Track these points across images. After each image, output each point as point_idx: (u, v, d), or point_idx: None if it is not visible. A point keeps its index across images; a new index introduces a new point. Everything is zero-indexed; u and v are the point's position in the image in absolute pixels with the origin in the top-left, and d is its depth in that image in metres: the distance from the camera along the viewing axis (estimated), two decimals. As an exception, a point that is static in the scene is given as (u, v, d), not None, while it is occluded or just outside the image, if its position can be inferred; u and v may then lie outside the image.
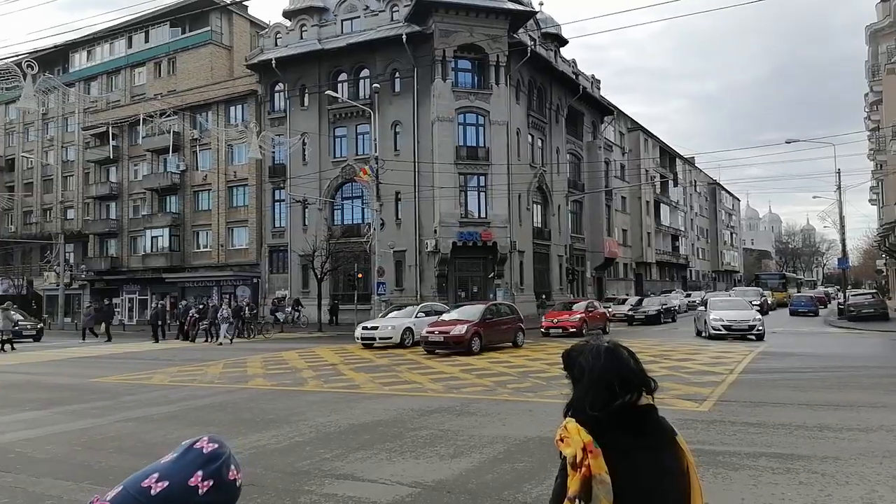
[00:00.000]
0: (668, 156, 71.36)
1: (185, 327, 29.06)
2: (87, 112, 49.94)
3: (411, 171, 34.16)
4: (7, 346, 25.08)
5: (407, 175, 33.85)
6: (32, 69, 20.14)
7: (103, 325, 30.68)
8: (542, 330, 24.96)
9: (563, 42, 42.71)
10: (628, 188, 57.02)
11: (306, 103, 38.83)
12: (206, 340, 27.43)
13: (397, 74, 36.04)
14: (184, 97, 42.91)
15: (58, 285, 44.27)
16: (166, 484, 0.99)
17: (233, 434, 8.58)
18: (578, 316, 25.14)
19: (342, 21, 38.12)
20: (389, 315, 23.78)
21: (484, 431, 8.34)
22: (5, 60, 21.04)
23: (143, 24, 46.42)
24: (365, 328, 22.25)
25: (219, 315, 26.80)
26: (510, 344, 20.23)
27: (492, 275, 34.06)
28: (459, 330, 18.35)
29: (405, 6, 35.33)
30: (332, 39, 37.58)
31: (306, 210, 37.50)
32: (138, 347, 25.68)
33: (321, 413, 9.98)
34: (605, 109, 51.32)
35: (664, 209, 67.63)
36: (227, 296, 40.92)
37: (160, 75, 49.04)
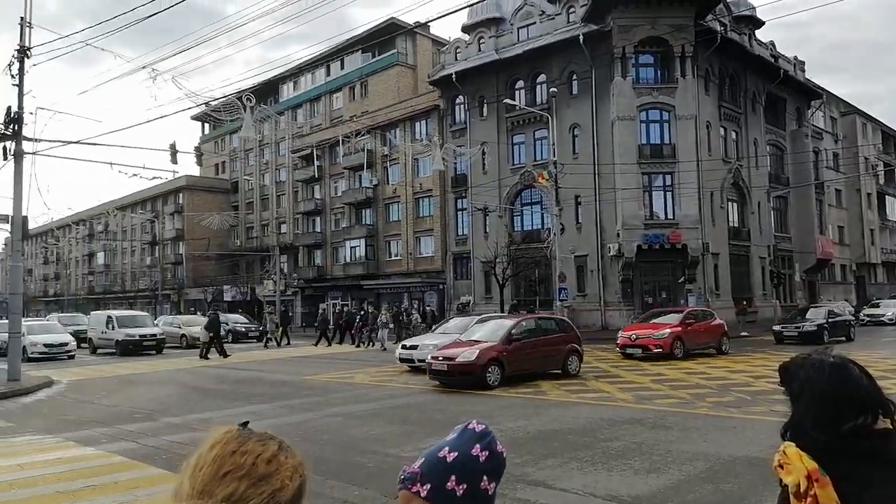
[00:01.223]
0: (892, 140, 61.82)
1: (352, 332, 30.25)
2: (294, 137, 56.01)
3: (591, 173, 33.41)
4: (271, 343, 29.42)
5: (586, 178, 33.17)
6: (251, 102, 23.11)
7: (280, 329, 32.25)
8: (619, 349, 19.67)
9: (759, 24, 38.98)
10: (844, 179, 50.27)
11: (485, 113, 39.82)
12: (367, 345, 28.15)
13: (574, 77, 35.53)
14: (374, 117, 46.30)
15: (275, 292, 50.01)
16: (456, 454, 1.26)
17: (428, 433, 9.05)
18: (667, 331, 18.78)
19: (518, 29, 38.54)
20: (446, 329, 19.55)
21: (682, 447, 7.88)
22: (229, 96, 24.30)
23: (338, 54, 50.92)
24: (404, 347, 18.17)
25: (378, 320, 27.97)
26: (559, 371, 15.14)
27: (682, 279, 32.04)
28: (468, 356, 13.51)
29: (581, 6, 34.73)
30: (508, 48, 38.16)
31: (487, 217, 38.38)
32: (306, 352, 28.02)
33: (509, 417, 10.13)
34: (811, 93, 45.90)
35: (890, 202, 58.58)
36: (417, 301, 43.31)
37: (354, 98, 53.42)
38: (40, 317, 45.00)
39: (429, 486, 1.23)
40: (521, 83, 38.41)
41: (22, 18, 17.31)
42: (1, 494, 6.68)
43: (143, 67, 18.97)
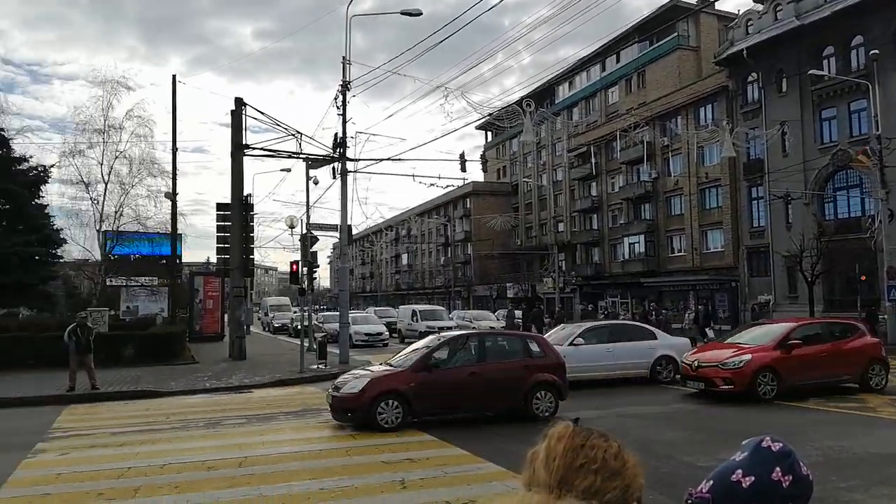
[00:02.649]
0: None
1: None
2: (570, 136, 56.60)
3: (932, 146, 27.19)
4: None
5: (925, 152, 27.07)
6: (530, 107, 24.06)
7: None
8: (679, 377, 13.56)
9: None
10: None
11: (784, 89, 35.22)
12: None
13: (905, 31, 29.34)
14: (653, 107, 44.34)
15: (554, 289, 51.16)
16: (753, 479, 1.12)
17: (728, 444, 8.36)
18: (745, 358, 12.00)
19: (825, -13, 33.24)
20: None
21: None
22: (510, 105, 25.61)
23: (614, 48, 50.00)
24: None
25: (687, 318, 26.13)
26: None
27: None
28: (352, 387, 9.97)
29: (913, -55, 28.55)
30: (812, 12, 33.11)
31: (789, 206, 33.85)
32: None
33: (827, 435, 8.83)
34: None
35: None
36: (704, 301, 40.23)
37: (630, 91, 51.89)
38: (359, 310, 53.05)
39: None
40: (830, 49, 33.10)
41: (343, 58, 20.59)
42: (340, 459, 8.04)
43: (438, 87, 21.01)
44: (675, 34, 47.46)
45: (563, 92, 60.00)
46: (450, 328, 30.09)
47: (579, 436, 1.11)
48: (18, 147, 26.85)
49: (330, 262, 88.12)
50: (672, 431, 9.30)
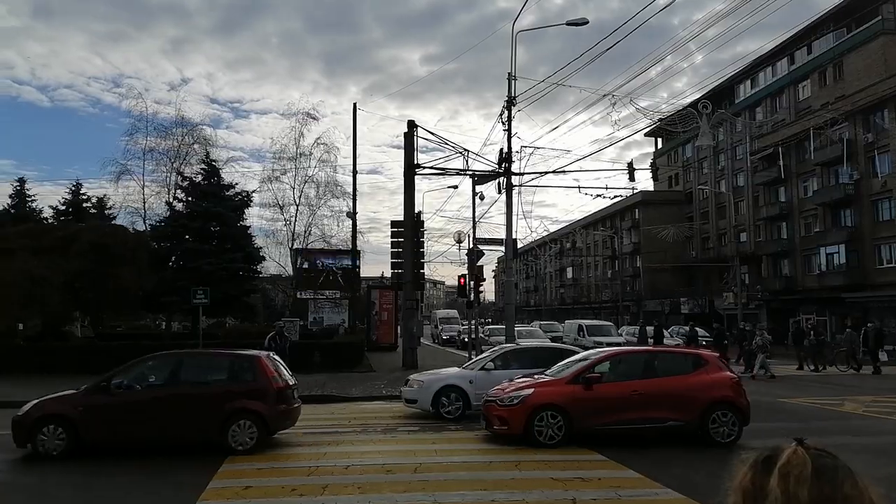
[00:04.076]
0: None
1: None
2: (753, 138, 52.08)
3: None
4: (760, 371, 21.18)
5: None
6: (706, 109, 22.58)
7: None
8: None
9: None
10: None
11: None
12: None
13: None
14: (853, 100, 39.40)
15: (735, 305, 47.16)
16: None
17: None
18: (523, 393, 9.71)
19: None
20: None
21: None
22: (686, 108, 24.24)
23: (803, 39, 45.36)
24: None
25: (754, 342, 22.38)
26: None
27: None
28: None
29: None
30: None
31: None
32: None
33: None
34: None
35: None
36: (876, 319, 34.64)
37: (825, 84, 46.59)
38: (524, 324, 53.07)
39: None
40: None
41: (509, 74, 20.91)
42: (509, 472, 8.07)
43: (605, 96, 20.51)
44: (879, 18, 41.94)
45: (745, 90, 55.47)
46: (619, 344, 29.05)
47: (825, 477, 0.88)
48: (227, 175, 30.77)
49: (495, 276, 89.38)
50: (885, 468, 8.10)
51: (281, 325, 16.73)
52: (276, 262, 31.55)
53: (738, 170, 55.08)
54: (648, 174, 67.15)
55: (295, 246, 30.23)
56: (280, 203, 30.20)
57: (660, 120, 25.91)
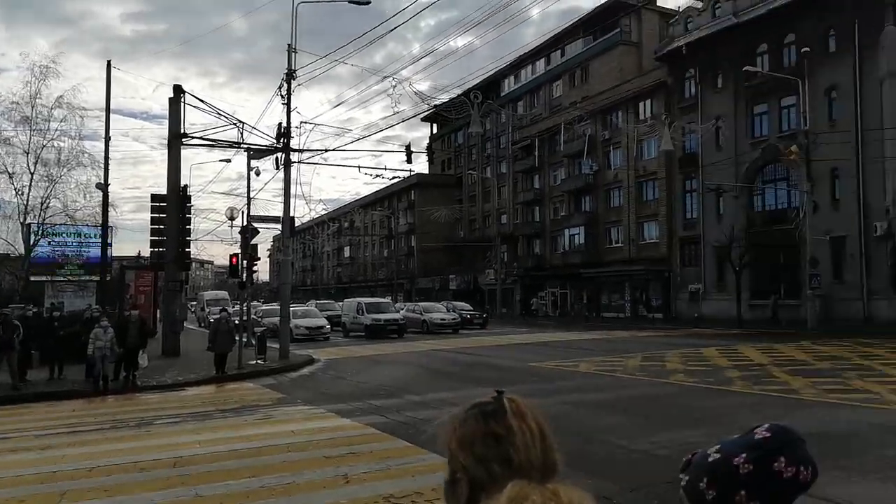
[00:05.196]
0: None
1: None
2: (514, 129, 57.11)
3: (851, 142, 28.78)
4: None
5: (845, 148, 28.62)
6: (477, 98, 24.10)
7: None
8: None
9: None
10: None
11: (719, 85, 36.57)
12: None
13: (832, 31, 30.79)
14: (595, 101, 45.19)
15: (496, 281, 51.66)
16: (719, 456, 1.17)
17: (662, 427, 8.65)
18: None
19: (758, -13, 34.63)
20: None
21: None
22: (458, 96, 25.62)
23: (559, 42, 50.61)
24: None
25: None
26: None
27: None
28: None
29: (838, -50, 29.96)
30: (749, 10, 34.36)
31: (721, 198, 35.28)
32: (558, 337, 27.97)
33: (754, 417, 9.20)
34: None
35: None
36: (639, 290, 41.48)
37: (574, 85, 52.70)
38: (300, 303, 52.12)
39: (687, 477, 1.19)
40: (763, 47, 34.49)
41: (289, 45, 20.08)
42: (280, 455, 7.88)
43: (385, 78, 20.81)
44: (618, 30, 48.47)
45: (509, 85, 60.42)
46: (396, 320, 30.03)
47: (536, 410, 1.06)
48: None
49: (270, 255, 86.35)
50: (613, 417, 9.50)
51: (6, 313, 14.22)
52: (3, 239, 26.78)
53: (502, 157, 60.00)
54: (426, 157, 70.10)
55: (28, 220, 25.88)
56: (9, 171, 25.56)
57: (435, 106, 27.01)
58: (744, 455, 1.13)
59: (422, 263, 66.85)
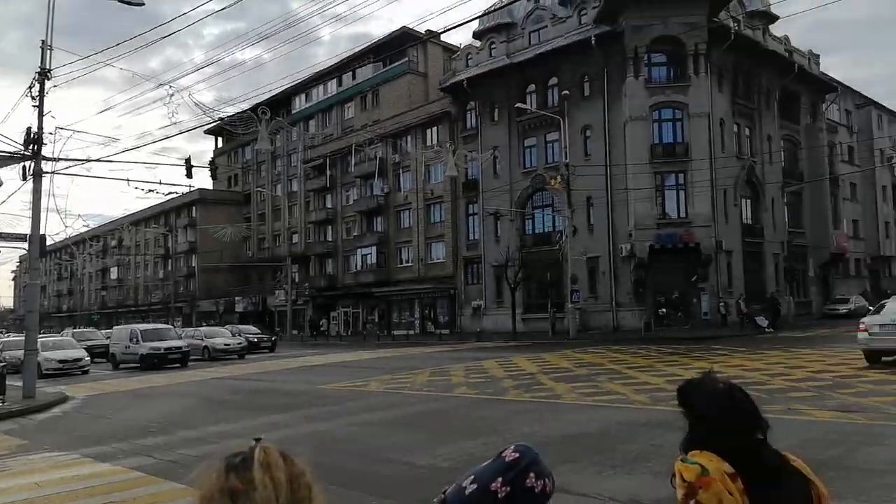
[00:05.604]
0: (909, 132, 60.85)
1: None
2: (306, 148, 56.28)
3: (603, 174, 33.24)
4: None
5: (598, 179, 33.00)
6: (266, 114, 23.25)
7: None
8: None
9: (774, 19, 38.47)
10: (859, 173, 49.61)
11: (496, 118, 39.83)
12: None
13: (586, 78, 35.40)
14: (386, 125, 46.41)
15: (286, 302, 50.07)
16: (475, 487, 1.15)
17: (444, 441, 8.95)
18: None
19: (530, 33, 38.57)
20: None
21: (701, 449, 7.69)
22: (245, 111, 24.48)
23: (350, 65, 51.16)
24: None
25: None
26: None
27: (694, 278, 31.74)
28: None
29: (593, 8, 34.64)
30: (520, 53, 38.14)
31: (498, 222, 38.31)
32: (348, 357, 27.94)
33: (525, 422, 10.00)
34: (826, 87, 45.34)
35: (907, 195, 57.62)
36: (428, 308, 43.10)
37: (366, 108, 53.61)
38: (54, 332, 45.28)
39: None
40: (533, 87, 38.37)
41: (43, 41, 17.48)
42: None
43: (161, 85, 19.06)
44: (406, 59, 50.47)
45: (301, 103, 59.51)
46: (180, 348, 27.25)
47: (287, 460, 1.00)
48: None
49: (15, 279, 74.13)
50: (399, 435, 9.64)
51: None
52: None
53: (293, 175, 58.73)
54: (208, 172, 65.75)
55: None
56: None
57: (220, 119, 25.51)
58: (500, 479, 1.16)
59: (204, 284, 62.40)
